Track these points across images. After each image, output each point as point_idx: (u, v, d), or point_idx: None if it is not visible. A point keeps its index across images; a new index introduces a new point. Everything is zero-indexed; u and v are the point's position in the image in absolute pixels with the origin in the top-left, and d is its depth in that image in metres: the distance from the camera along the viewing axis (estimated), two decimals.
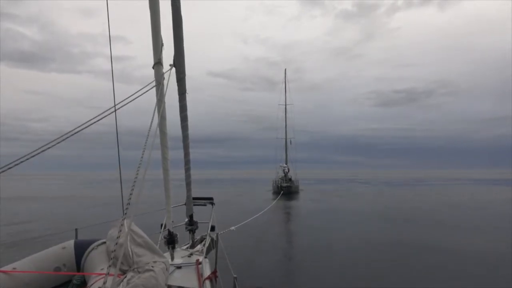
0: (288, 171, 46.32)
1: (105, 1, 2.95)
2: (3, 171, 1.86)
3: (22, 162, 1.94)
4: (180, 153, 4.02)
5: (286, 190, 40.53)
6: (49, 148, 2.05)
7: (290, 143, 49.99)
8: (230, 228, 5.68)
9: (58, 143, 2.07)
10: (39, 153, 1.97)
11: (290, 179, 44.82)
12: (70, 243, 2.82)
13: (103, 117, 2.29)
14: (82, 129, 2.20)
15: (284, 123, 50.75)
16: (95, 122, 2.25)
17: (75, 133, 2.15)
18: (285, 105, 50.69)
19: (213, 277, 3.37)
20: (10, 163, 1.88)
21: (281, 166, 47.17)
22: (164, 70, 3.11)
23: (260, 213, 13.84)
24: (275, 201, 29.56)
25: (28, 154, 1.97)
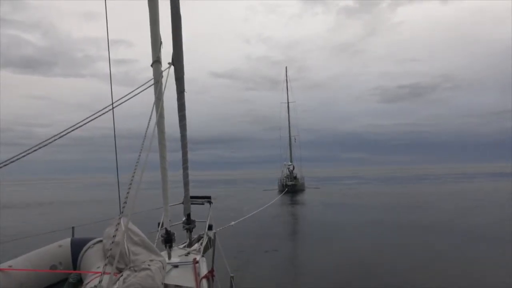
0: (293, 169, 46.18)
1: (105, 4, 2.95)
2: None
3: (18, 159, 1.93)
4: (180, 155, 4.02)
5: (291, 188, 40.36)
6: (45, 145, 2.04)
7: (295, 141, 50.06)
8: (230, 224, 5.69)
9: (55, 140, 2.06)
10: (32, 152, 1.96)
11: (295, 177, 44.67)
12: (67, 241, 2.81)
13: (100, 115, 2.28)
14: (79, 126, 2.19)
15: (288, 122, 50.83)
16: (92, 120, 2.24)
17: (71, 130, 2.14)
18: (287, 103, 50.81)
19: (210, 276, 3.36)
20: (6, 161, 1.87)
21: (285, 165, 46.96)
22: (162, 69, 3.11)
23: (258, 210, 13.80)
24: (276, 199, 29.56)
25: (25, 152, 1.96)
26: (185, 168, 4.09)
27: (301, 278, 9.48)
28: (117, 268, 2.38)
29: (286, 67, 53.41)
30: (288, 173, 45.49)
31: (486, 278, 8.95)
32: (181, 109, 3.68)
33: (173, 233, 3.78)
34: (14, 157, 1.90)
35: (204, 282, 3.10)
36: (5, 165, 1.87)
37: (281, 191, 39.93)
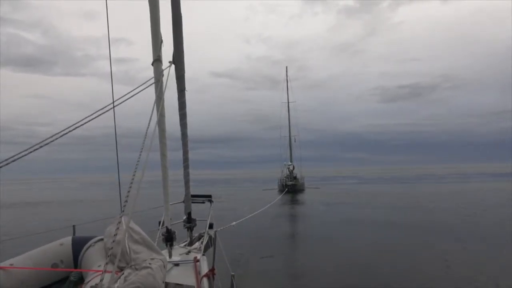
0: (293, 168, 46.17)
1: (106, 3, 2.95)
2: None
3: (19, 158, 1.93)
4: (180, 154, 4.02)
5: (291, 188, 40.35)
6: (46, 144, 2.04)
7: (295, 141, 50.01)
8: (231, 224, 5.69)
9: (56, 139, 2.06)
10: (33, 151, 1.96)
11: (295, 177, 44.68)
12: (68, 239, 2.82)
13: (101, 114, 2.28)
14: (80, 125, 2.19)
15: (288, 121, 50.78)
16: (93, 119, 2.24)
17: (72, 129, 2.14)
18: (288, 102, 50.84)
19: (211, 274, 3.37)
20: (7, 159, 1.87)
21: (285, 164, 46.91)
22: (163, 67, 3.11)
23: (260, 210, 13.84)
24: (276, 199, 29.51)
25: (25, 150, 1.96)
26: (186, 167, 4.10)
27: (301, 278, 9.48)
28: (118, 266, 2.38)
29: (286, 67, 53.61)
30: (288, 173, 45.45)
31: (486, 278, 8.95)
32: (182, 107, 3.69)
33: (174, 232, 3.79)
34: (14, 156, 1.90)
35: (205, 281, 3.10)
36: (6, 164, 1.87)
37: (281, 191, 39.90)
